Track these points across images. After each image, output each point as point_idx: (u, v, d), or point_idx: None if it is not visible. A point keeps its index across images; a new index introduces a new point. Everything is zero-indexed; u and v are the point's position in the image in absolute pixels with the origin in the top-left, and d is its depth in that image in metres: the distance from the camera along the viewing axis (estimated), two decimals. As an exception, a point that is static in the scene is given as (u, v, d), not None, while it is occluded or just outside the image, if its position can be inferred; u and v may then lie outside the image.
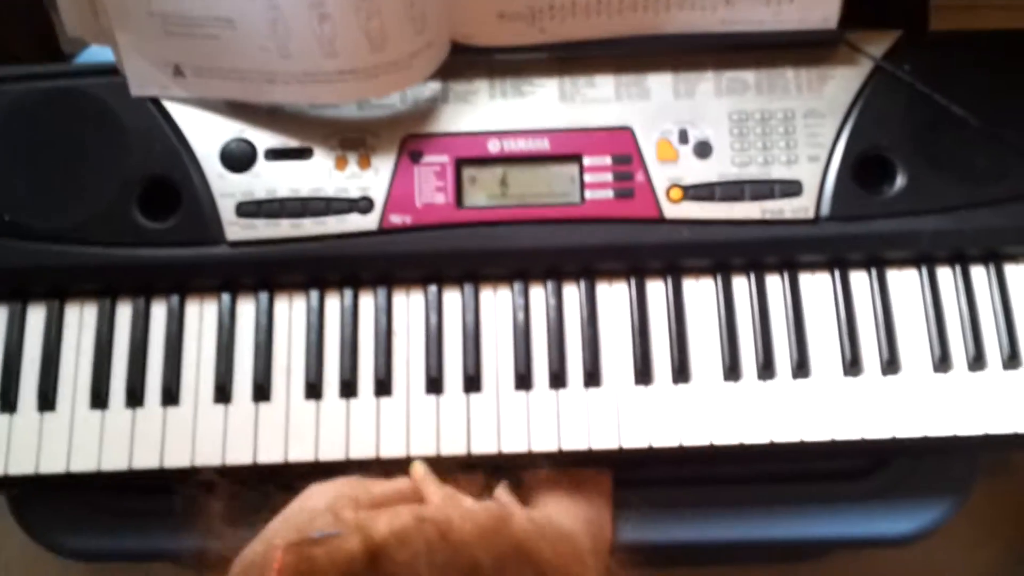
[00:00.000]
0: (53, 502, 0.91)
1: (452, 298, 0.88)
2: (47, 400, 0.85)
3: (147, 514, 0.90)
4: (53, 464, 0.84)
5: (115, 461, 0.84)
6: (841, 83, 0.88)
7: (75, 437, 0.84)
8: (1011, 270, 0.88)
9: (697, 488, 0.91)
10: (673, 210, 0.86)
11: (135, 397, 0.85)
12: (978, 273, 0.88)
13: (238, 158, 0.87)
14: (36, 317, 0.87)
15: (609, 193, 0.86)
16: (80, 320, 0.87)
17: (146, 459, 0.84)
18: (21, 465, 0.84)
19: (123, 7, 0.82)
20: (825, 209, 0.86)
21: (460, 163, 0.87)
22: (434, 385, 0.85)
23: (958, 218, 0.86)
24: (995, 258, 0.88)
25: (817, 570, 1.24)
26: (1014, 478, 1.25)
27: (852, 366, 0.86)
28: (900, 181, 0.87)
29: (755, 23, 0.87)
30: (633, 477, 0.90)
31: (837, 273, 0.88)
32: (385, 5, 0.80)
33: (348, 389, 0.85)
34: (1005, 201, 0.86)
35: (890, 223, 0.86)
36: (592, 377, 0.85)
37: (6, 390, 0.86)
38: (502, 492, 0.81)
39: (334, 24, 0.80)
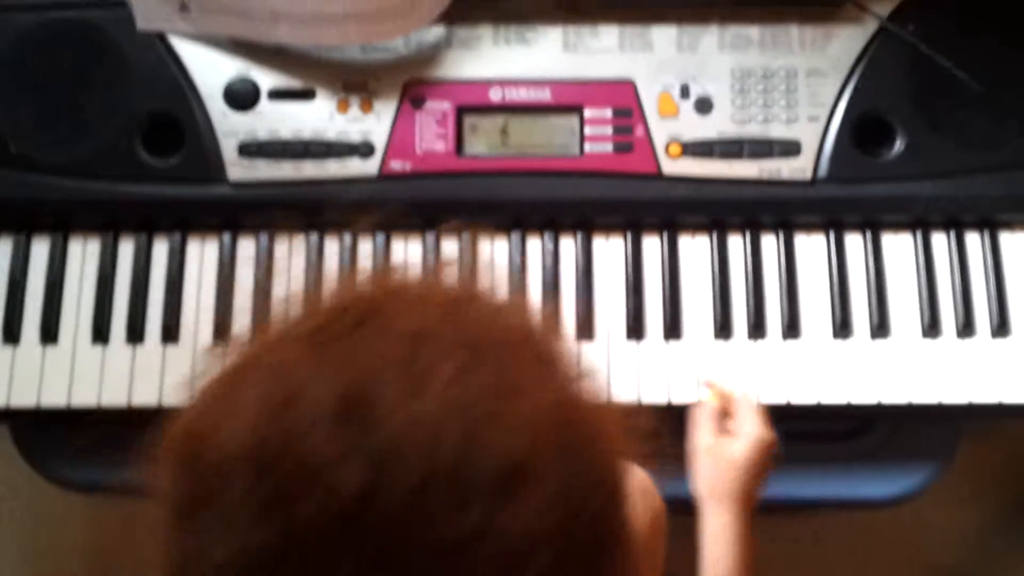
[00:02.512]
0: (55, 434, 0.93)
1: (449, 247, 0.88)
2: (49, 333, 0.87)
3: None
4: (54, 398, 0.86)
5: (115, 397, 0.86)
6: (845, 42, 0.88)
7: (76, 371, 0.86)
8: (1006, 238, 0.88)
9: (683, 444, 0.92)
10: (671, 166, 0.87)
11: (135, 333, 0.87)
12: (972, 240, 0.88)
13: (242, 97, 0.87)
14: (40, 249, 0.89)
15: (608, 147, 0.87)
16: (83, 254, 0.89)
17: (145, 396, 0.85)
18: (23, 397, 0.86)
19: (130, -58, 0.82)
20: (823, 171, 0.86)
21: (461, 111, 0.87)
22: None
23: (955, 184, 0.86)
24: (990, 225, 0.88)
25: (807, 525, 1.26)
26: (1000, 439, 1.26)
27: (842, 329, 0.86)
28: (899, 145, 0.87)
29: (762, -21, 0.86)
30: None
31: (832, 235, 0.88)
32: (391, -51, 0.80)
33: (344, 331, 0.86)
34: (1003, 168, 0.86)
35: (887, 187, 0.86)
36: (584, 330, 0.86)
37: (9, 322, 0.87)
38: None
39: (339, -34, 0.80)
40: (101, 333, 0.87)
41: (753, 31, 0.88)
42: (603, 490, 0.40)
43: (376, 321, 0.40)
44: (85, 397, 0.86)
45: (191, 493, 0.39)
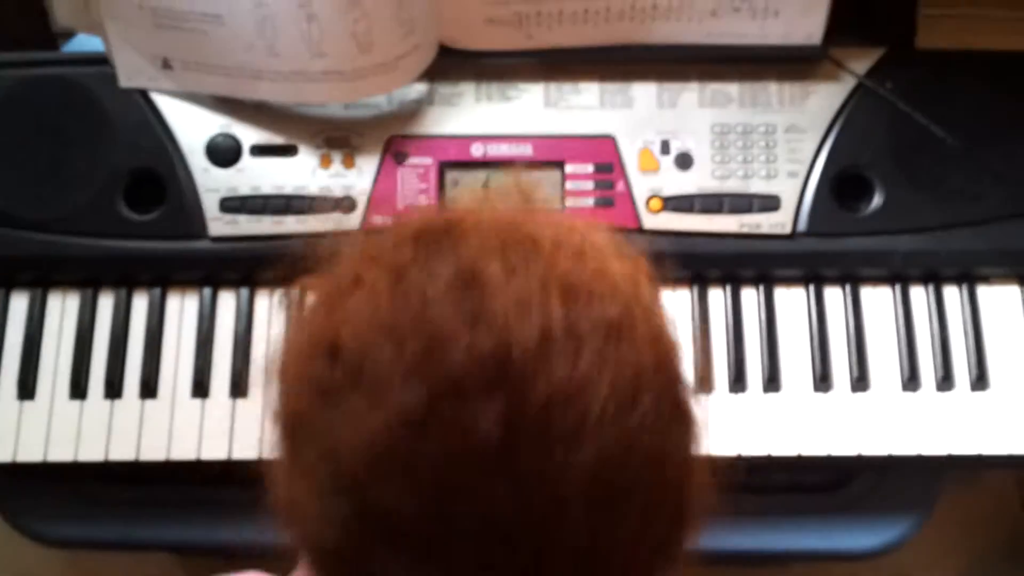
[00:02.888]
0: (32, 489, 0.92)
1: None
2: (27, 388, 0.86)
3: (125, 503, 0.91)
4: (31, 452, 0.85)
5: (92, 452, 0.85)
6: (823, 99, 0.89)
7: (54, 426, 0.86)
8: (984, 292, 0.89)
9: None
10: (652, 220, 0.87)
11: (114, 388, 0.86)
12: (951, 294, 0.89)
13: (223, 153, 0.87)
14: (19, 305, 0.88)
15: (590, 201, 0.87)
16: (62, 309, 0.88)
17: (123, 451, 0.85)
18: (-1, 452, 0.85)
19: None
20: (802, 225, 0.87)
21: (443, 166, 0.88)
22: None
23: (933, 238, 0.87)
24: (968, 279, 0.89)
25: (783, 576, 1.26)
26: (982, 490, 1.26)
27: (822, 381, 0.87)
28: (878, 199, 0.87)
29: (740, 36, 0.87)
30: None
31: (812, 288, 0.89)
32: (373, 8, 0.80)
33: (325, 386, 0.86)
34: (980, 223, 0.87)
35: (866, 241, 0.87)
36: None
37: (-14, 376, 0.87)
38: None
39: (321, 25, 0.80)
40: (79, 388, 0.86)
41: (732, 88, 0.89)
42: (676, 353, 0.46)
43: (461, 227, 0.45)
44: (62, 452, 0.85)
45: (337, 380, 0.42)
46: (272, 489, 0.46)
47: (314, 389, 0.43)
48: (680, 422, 0.45)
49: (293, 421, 0.45)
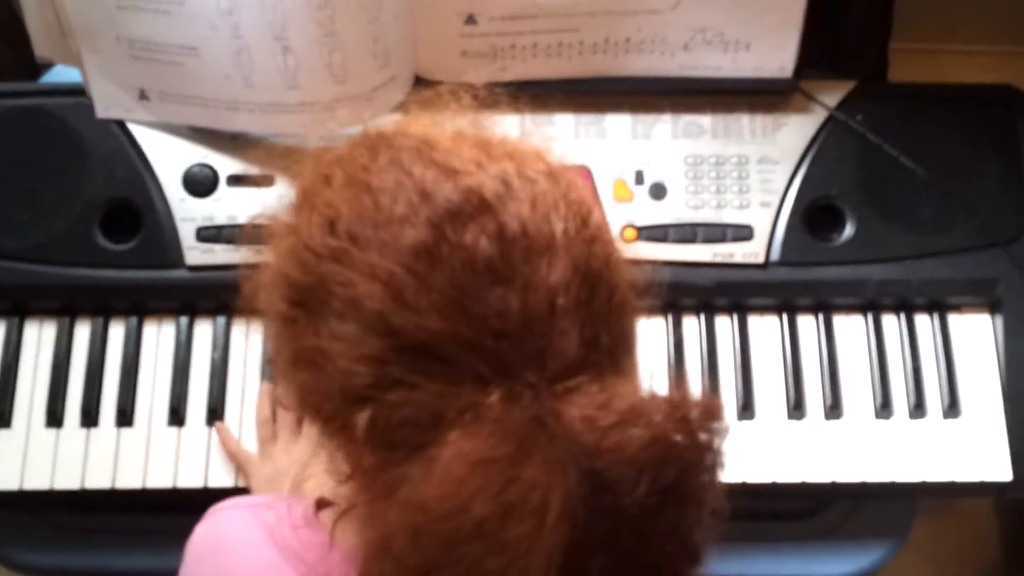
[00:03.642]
0: (7, 518, 0.92)
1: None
2: (3, 417, 0.86)
3: (101, 532, 0.91)
4: (7, 481, 0.85)
5: (68, 480, 0.85)
6: (795, 131, 0.90)
7: (30, 455, 0.85)
8: (955, 320, 0.90)
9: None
10: (627, 250, 0.87)
11: (90, 417, 0.86)
12: (922, 322, 0.90)
13: (200, 183, 0.88)
14: (-5, 333, 0.88)
15: (564, 231, 0.88)
16: (39, 338, 0.88)
17: (98, 479, 0.85)
18: (-26, 482, 0.85)
19: (91, 31, 0.83)
20: (775, 254, 0.88)
21: (419, 195, 0.88)
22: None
23: (904, 268, 0.88)
24: (939, 308, 0.90)
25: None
26: (957, 517, 1.27)
27: (796, 409, 0.87)
28: (849, 229, 0.88)
29: (712, 69, 0.88)
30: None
31: (785, 317, 0.90)
32: (347, 40, 0.81)
33: (301, 415, 0.86)
34: (950, 253, 0.88)
35: (838, 270, 0.88)
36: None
37: (-38, 405, 0.87)
38: None
39: (297, 56, 0.81)
40: (55, 417, 0.86)
41: (705, 120, 0.90)
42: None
43: (407, 127, 0.54)
44: (38, 480, 0.85)
45: (343, 244, 0.48)
46: (280, 365, 0.52)
47: (323, 257, 0.49)
48: (609, 235, 0.54)
49: (304, 293, 0.50)
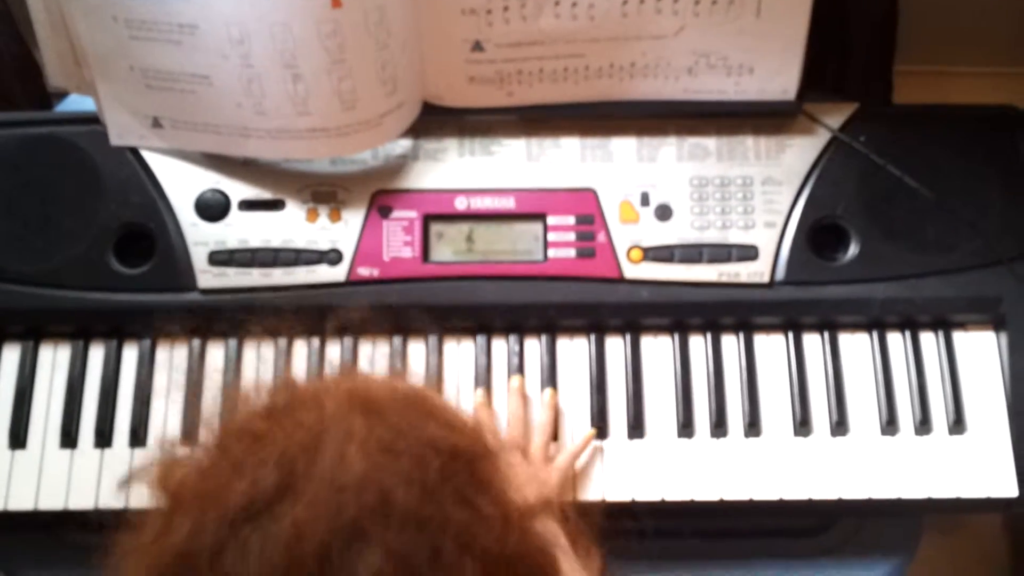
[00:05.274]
0: (23, 536, 0.93)
1: (417, 349, 0.90)
2: (18, 438, 0.87)
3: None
4: (22, 501, 0.86)
5: (82, 500, 0.86)
6: (799, 152, 0.91)
7: (44, 475, 0.87)
8: (959, 337, 0.91)
9: (646, 542, 0.93)
10: (633, 270, 0.89)
11: (104, 438, 0.88)
12: (927, 340, 0.91)
13: (212, 208, 0.89)
14: (11, 356, 0.90)
15: (571, 252, 0.89)
16: (53, 361, 0.90)
17: (112, 499, 0.86)
18: (-9, 501, 0.86)
19: (105, 61, 0.84)
20: (780, 274, 0.89)
21: (428, 219, 0.90)
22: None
23: (909, 286, 0.89)
24: (944, 325, 0.91)
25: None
26: (966, 535, 1.27)
27: (802, 427, 0.88)
28: (853, 249, 0.89)
29: (717, 92, 0.89)
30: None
31: (791, 336, 0.91)
32: (357, 67, 0.82)
33: (312, 436, 0.87)
34: (954, 271, 0.89)
35: (843, 289, 0.89)
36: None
37: (-22, 427, 0.88)
38: None
39: (307, 84, 0.82)
40: (70, 437, 0.88)
41: (710, 142, 0.91)
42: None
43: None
44: (53, 500, 0.86)
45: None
46: None
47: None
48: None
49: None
